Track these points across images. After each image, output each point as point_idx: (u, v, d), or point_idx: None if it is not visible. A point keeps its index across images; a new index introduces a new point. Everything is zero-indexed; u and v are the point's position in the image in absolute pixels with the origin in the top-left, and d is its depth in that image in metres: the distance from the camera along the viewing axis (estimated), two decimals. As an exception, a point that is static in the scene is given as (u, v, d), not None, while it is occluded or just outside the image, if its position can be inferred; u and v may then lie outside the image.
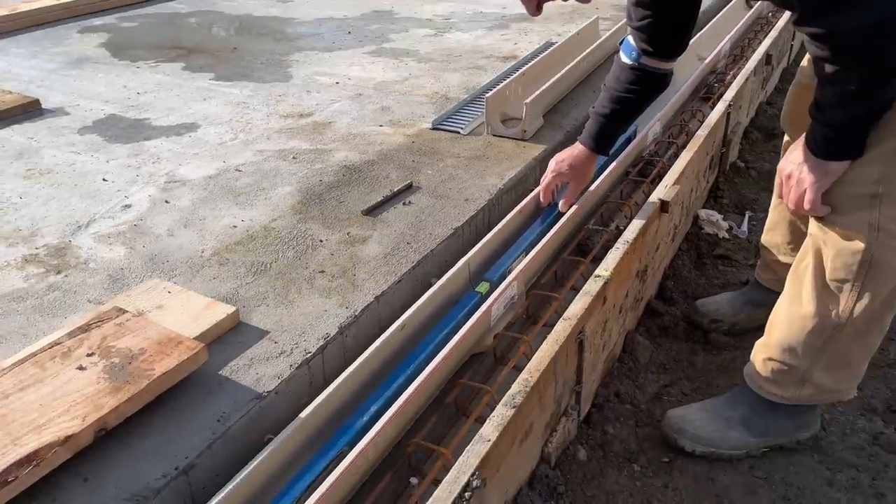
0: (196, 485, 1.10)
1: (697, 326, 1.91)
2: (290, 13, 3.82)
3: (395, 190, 1.88)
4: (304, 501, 1.05)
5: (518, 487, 1.30)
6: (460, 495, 1.04)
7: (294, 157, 2.11)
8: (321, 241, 1.68)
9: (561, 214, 1.80)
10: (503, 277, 1.58)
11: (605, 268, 1.56)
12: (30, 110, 2.47)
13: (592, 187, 1.91)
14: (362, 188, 1.92)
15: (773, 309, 1.47)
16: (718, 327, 1.89)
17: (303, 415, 1.18)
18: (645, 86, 1.64)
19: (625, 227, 1.74)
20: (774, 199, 1.79)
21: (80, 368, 1.17)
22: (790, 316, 1.41)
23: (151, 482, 1.06)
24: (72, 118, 2.43)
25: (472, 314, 1.44)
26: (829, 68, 1.14)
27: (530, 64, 2.54)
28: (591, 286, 1.50)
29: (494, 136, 2.23)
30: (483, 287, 1.56)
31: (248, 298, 1.45)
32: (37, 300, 1.47)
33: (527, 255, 1.65)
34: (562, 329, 1.38)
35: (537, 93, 2.25)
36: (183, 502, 1.09)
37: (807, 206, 1.27)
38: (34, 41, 3.35)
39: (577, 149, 1.76)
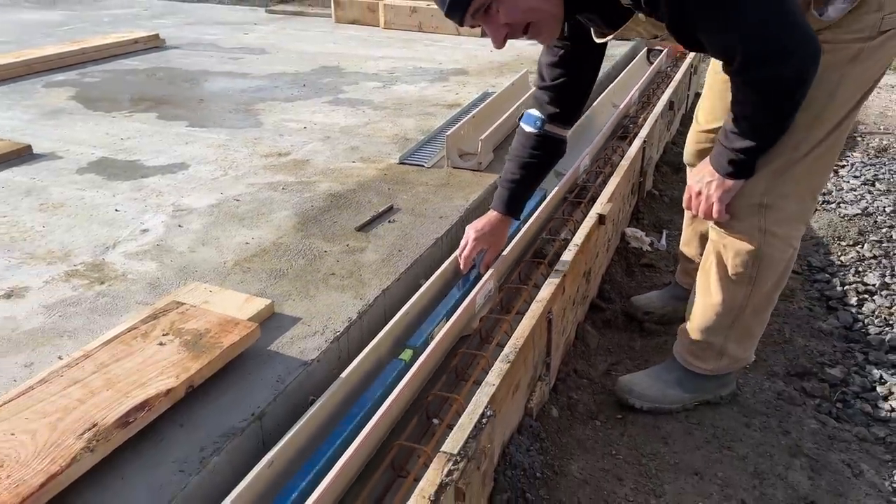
0: (266, 429, 1.38)
1: (633, 318, 2.31)
2: (245, 69, 4.14)
3: (380, 211, 2.21)
4: (351, 442, 1.34)
5: (511, 433, 1.62)
6: (479, 421, 1.36)
7: (284, 188, 2.41)
8: (325, 251, 1.98)
9: (476, 280, 1.89)
10: (426, 343, 1.63)
11: (563, 265, 1.94)
12: (23, 155, 2.67)
13: (541, 206, 2.31)
14: (350, 211, 2.24)
15: (689, 301, 1.84)
16: (650, 318, 2.29)
17: (343, 375, 1.48)
18: (547, 150, 1.82)
19: (572, 237, 2.13)
20: (687, 218, 2.21)
21: (161, 344, 1.43)
22: (704, 306, 1.77)
23: (235, 425, 1.33)
24: (66, 161, 2.65)
25: (398, 382, 1.48)
26: (749, 108, 1.40)
27: (477, 109, 2.96)
28: (554, 278, 1.87)
29: (454, 167, 2.61)
30: (406, 354, 1.60)
31: (276, 295, 1.74)
32: (90, 304, 1.71)
33: (448, 320, 1.69)
34: (536, 309, 1.74)
35: (489, 131, 2.66)
36: (257, 442, 1.36)
37: (714, 215, 1.59)
38: (3, 95, 3.52)
39: (490, 216, 1.88)
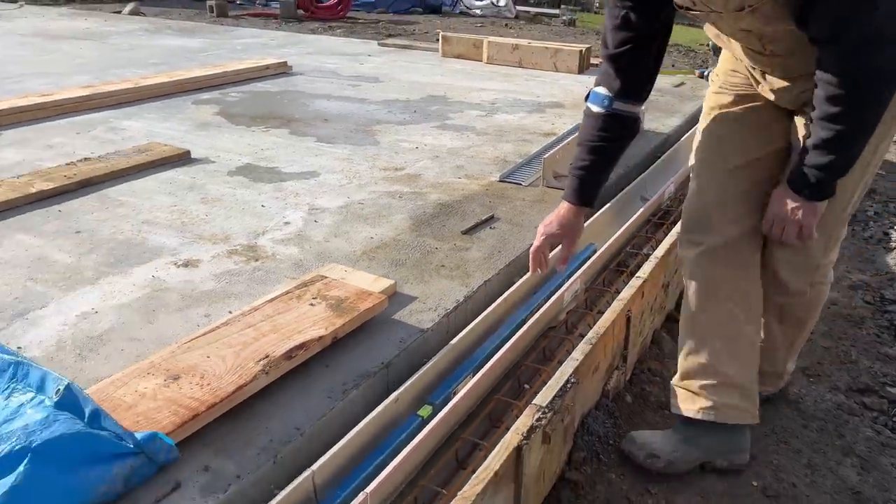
0: (391, 376, 1.72)
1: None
2: (362, 95, 4.61)
3: (483, 219, 2.55)
4: (457, 392, 1.65)
5: (589, 408, 1.90)
6: (564, 385, 1.65)
7: (400, 196, 2.79)
8: (436, 248, 2.33)
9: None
10: (519, 327, 1.86)
11: (643, 273, 2.21)
12: (183, 159, 3.17)
13: (627, 224, 2.58)
14: (456, 217, 2.59)
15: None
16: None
17: (452, 342, 1.80)
18: (618, 131, 1.66)
19: (653, 252, 2.40)
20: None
21: (311, 305, 1.80)
22: (688, 330, 1.84)
23: (368, 370, 1.67)
24: (218, 165, 3.13)
25: (496, 353, 1.75)
26: (840, 106, 1.32)
27: (571, 136, 3.27)
28: (635, 282, 2.14)
29: (548, 187, 2.92)
30: (425, 411, 1.62)
31: (397, 279, 2.09)
32: (249, 275, 2.12)
33: (474, 374, 1.74)
34: (617, 306, 2.02)
35: (582, 157, 2.96)
36: (384, 384, 1.69)
37: (806, 236, 1.53)
38: (159, 109, 4.10)
39: (562, 208, 1.77)
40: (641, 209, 2.74)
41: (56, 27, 7.65)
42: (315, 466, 1.36)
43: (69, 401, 1.33)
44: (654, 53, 1.61)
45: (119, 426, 1.30)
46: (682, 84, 4.98)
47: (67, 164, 2.97)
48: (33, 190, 2.66)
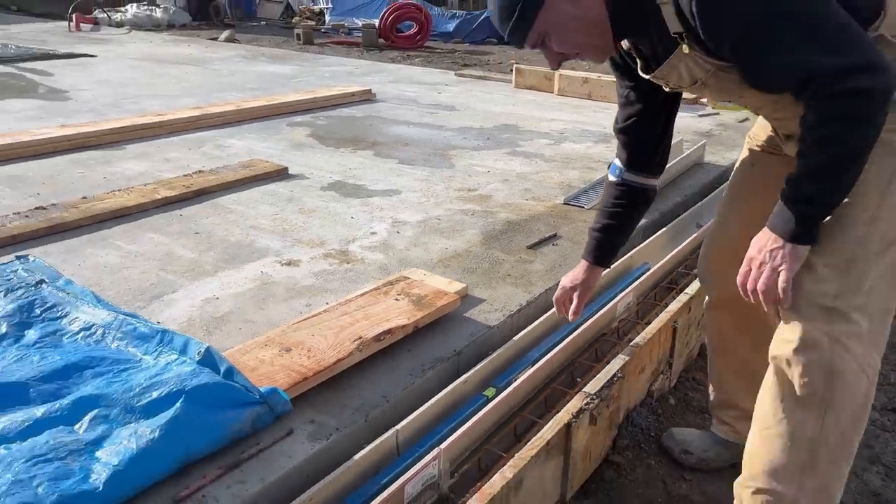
0: (461, 362, 2.01)
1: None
2: (440, 122, 4.97)
3: (546, 236, 2.83)
4: (518, 378, 1.93)
5: (634, 404, 2.15)
6: (611, 379, 1.91)
7: (472, 214, 3.10)
8: (503, 259, 2.63)
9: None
10: (508, 385, 1.90)
11: (692, 290, 2.45)
12: (282, 174, 3.58)
13: (680, 246, 2.81)
14: (522, 234, 2.88)
15: (746, 450, 1.50)
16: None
17: (515, 338, 2.09)
18: (629, 200, 1.77)
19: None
20: (714, 353, 2.00)
21: (396, 300, 2.13)
22: (765, 439, 1.44)
23: (442, 356, 1.97)
24: (312, 181, 3.52)
25: (479, 411, 1.75)
26: (824, 136, 1.22)
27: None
28: (682, 298, 2.38)
29: (609, 211, 3.18)
30: (490, 392, 1.87)
31: (468, 284, 2.39)
32: (342, 275, 2.46)
33: (533, 365, 1.97)
34: (664, 317, 2.26)
35: (641, 184, 3.21)
36: (455, 368, 1.99)
37: (781, 284, 1.30)
38: (258, 130, 4.57)
39: (579, 265, 1.91)
40: (695, 234, 2.97)
41: (162, 52, 8.39)
42: (398, 426, 1.67)
43: (209, 360, 1.69)
44: (660, 128, 1.69)
45: (248, 381, 1.64)
46: (745, 119, 5.14)
47: (185, 176, 3.42)
48: (159, 196, 3.10)
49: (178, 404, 1.52)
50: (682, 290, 2.49)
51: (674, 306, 2.33)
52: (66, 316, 2.00)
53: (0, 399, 1.60)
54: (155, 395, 1.56)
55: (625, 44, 1.53)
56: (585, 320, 2.27)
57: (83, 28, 10.75)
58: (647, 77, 1.50)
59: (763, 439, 1.44)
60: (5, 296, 2.10)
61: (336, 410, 1.72)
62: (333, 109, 5.26)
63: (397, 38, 10.36)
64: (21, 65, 7.00)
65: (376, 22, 10.57)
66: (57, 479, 1.34)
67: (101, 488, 1.34)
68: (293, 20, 13.56)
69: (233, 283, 2.39)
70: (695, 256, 2.93)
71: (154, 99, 5.46)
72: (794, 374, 1.36)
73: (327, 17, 13.30)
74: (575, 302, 1.90)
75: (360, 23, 11.64)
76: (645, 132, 1.68)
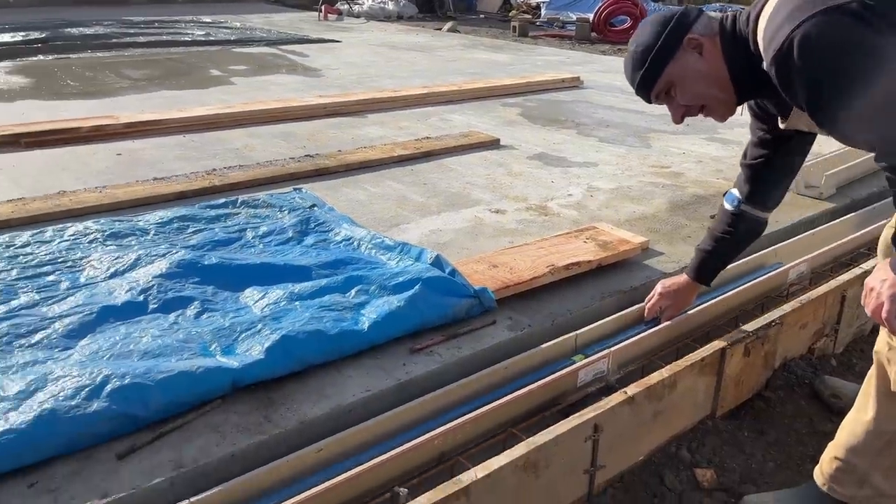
0: (637, 297, 2.38)
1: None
2: (641, 107, 5.24)
3: (731, 210, 3.07)
4: (691, 309, 2.25)
5: (793, 356, 2.38)
6: (769, 323, 2.18)
7: (662, 186, 3.41)
8: (685, 224, 2.93)
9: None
10: (595, 353, 2.02)
11: (867, 265, 2.59)
12: (493, 144, 4.11)
13: (867, 229, 2.91)
14: (708, 207, 3.15)
15: (846, 417, 1.66)
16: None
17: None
18: (741, 229, 1.90)
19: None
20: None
21: (584, 242, 2.55)
22: (854, 421, 1.61)
23: (620, 288, 2.36)
24: (519, 151, 4.02)
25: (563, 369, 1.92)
26: None
27: (829, 154, 3.60)
28: (856, 271, 2.55)
29: (798, 193, 3.33)
30: (579, 357, 2.01)
31: (651, 240, 2.73)
32: (540, 224, 2.92)
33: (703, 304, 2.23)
34: (833, 283, 2.45)
35: (835, 170, 3.31)
36: (630, 301, 2.36)
37: (883, 314, 1.35)
38: (475, 108, 5.16)
39: (682, 277, 2.07)
40: (883, 222, 3.04)
41: (396, 40, 9.40)
42: (578, 332, 2.09)
43: (438, 263, 2.23)
44: (788, 170, 1.82)
45: (466, 280, 2.16)
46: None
47: (415, 140, 4.08)
48: (395, 154, 3.77)
49: (416, 287, 2.08)
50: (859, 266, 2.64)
51: (846, 276, 2.51)
52: (331, 230, 2.67)
53: (295, 275, 2.26)
54: (401, 279, 2.13)
55: None
56: (755, 277, 2.53)
57: (329, 18, 12.21)
58: (782, 127, 1.62)
59: (853, 420, 1.62)
60: (289, 213, 2.83)
61: (528, 314, 2.19)
62: (543, 93, 5.72)
63: (610, 32, 10.56)
64: (283, 47, 8.27)
65: (590, 16, 10.86)
66: (337, 321, 1.95)
67: (365, 330, 1.93)
68: (510, 13, 14.22)
69: (452, 221, 2.94)
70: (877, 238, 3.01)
71: (389, 79, 6.29)
72: (893, 373, 1.50)
73: (543, 11, 13.78)
74: (669, 312, 2.12)
75: (574, 17, 11.98)
76: (773, 174, 1.82)
